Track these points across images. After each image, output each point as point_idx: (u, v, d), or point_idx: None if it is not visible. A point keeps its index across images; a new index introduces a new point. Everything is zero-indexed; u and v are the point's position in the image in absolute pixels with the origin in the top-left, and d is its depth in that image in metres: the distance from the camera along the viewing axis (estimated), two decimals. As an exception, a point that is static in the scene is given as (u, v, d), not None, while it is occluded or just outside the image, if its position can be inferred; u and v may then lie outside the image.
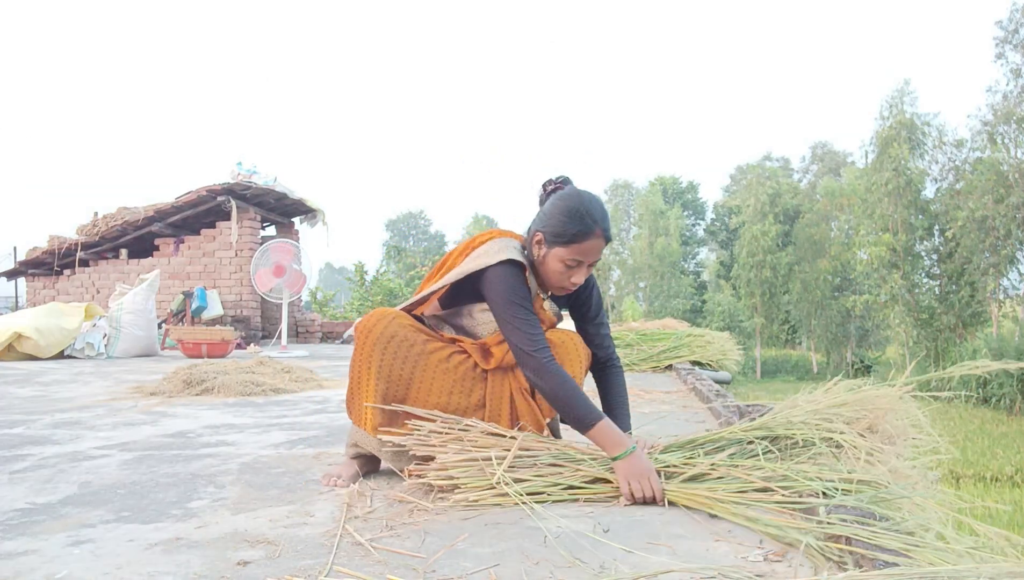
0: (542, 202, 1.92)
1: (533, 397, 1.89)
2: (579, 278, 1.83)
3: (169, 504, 1.69)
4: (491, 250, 1.84)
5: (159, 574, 1.23)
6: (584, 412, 1.68)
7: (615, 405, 1.95)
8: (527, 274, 1.87)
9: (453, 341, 1.95)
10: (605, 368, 2.00)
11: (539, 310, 1.94)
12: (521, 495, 1.56)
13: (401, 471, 1.84)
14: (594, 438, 1.68)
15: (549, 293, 1.97)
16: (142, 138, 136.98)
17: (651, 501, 1.58)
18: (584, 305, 2.02)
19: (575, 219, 1.77)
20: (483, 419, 1.87)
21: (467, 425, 1.79)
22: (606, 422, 1.68)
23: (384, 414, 1.83)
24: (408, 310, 1.99)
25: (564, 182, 1.92)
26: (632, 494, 1.58)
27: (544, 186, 1.93)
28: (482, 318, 1.95)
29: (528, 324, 1.76)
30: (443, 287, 1.92)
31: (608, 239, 1.82)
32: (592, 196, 1.83)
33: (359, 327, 1.86)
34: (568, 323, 2.14)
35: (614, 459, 1.63)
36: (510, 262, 1.81)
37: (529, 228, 1.93)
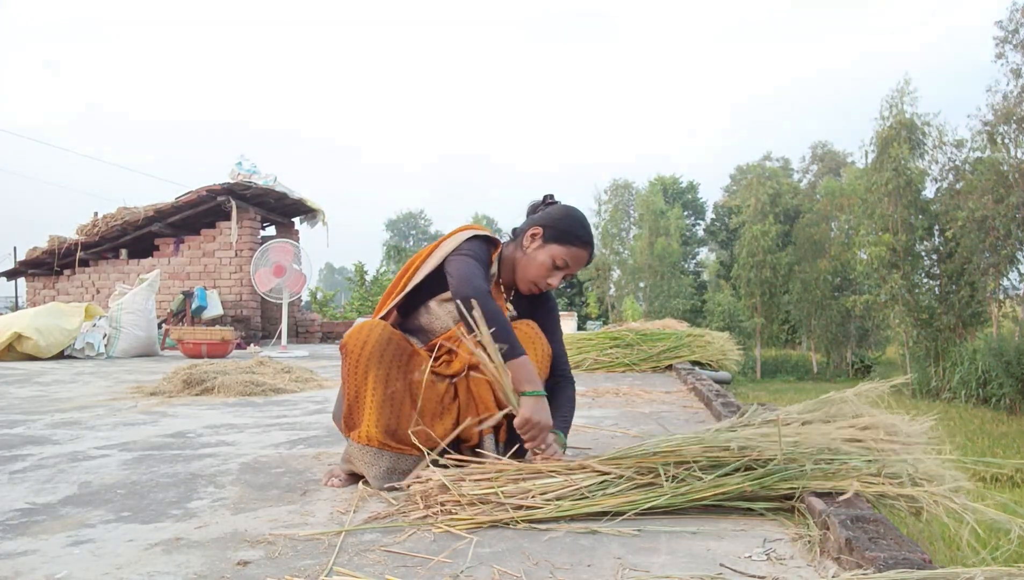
0: (532, 212, 2.10)
1: (498, 404, 1.87)
2: (555, 281, 2.01)
3: (169, 504, 1.69)
4: (462, 234, 1.98)
5: (159, 574, 1.23)
6: (516, 341, 1.78)
7: (557, 408, 1.95)
8: (495, 259, 2.02)
9: (430, 347, 1.98)
10: (558, 380, 2.07)
11: (498, 301, 2.04)
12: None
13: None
14: (515, 367, 1.76)
15: (512, 296, 2.08)
16: (142, 138, 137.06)
17: (539, 447, 1.73)
18: (544, 321, 2.10)
19: (583, 227, 2.00)
20: (457, 438, 1.85)
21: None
22: (528, 358, 1.79)
23: (383, 429, 1.78)
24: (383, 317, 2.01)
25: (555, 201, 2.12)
26: (529, 424, 1.70)
27: (544, 199, 2.13)
28: (439, 311, 1.98)
29: (479, 266, 1.86)
30: (422, 280, 1.97)
31: (591, 258, 2.05)
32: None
33: (350, 339, 1.82)
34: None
35: (524, 394, 1.75)
36: (479, 236, 1.96)
37: (519, 228, 2.08)
